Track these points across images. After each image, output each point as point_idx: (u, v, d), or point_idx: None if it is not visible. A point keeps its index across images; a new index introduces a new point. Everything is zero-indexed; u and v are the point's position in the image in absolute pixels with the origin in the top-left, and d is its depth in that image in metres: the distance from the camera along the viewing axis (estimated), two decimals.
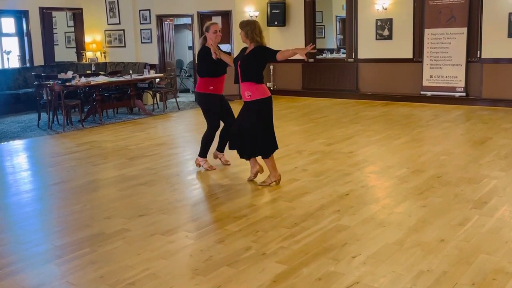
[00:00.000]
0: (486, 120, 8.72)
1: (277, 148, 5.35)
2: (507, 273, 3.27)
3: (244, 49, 5.31)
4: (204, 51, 5.69)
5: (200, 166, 6.02)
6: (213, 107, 5.82)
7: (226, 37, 12.22)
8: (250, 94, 5.15)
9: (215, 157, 6.21)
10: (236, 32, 12.05)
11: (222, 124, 6.01)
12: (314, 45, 5.15)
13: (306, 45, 12.46)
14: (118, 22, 13.15)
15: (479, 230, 3.99)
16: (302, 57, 5.08)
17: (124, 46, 13.15)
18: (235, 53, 12.16)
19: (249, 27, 5.13)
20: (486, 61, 10.21)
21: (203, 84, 5.76)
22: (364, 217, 4.34)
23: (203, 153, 5.97)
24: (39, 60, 12.28)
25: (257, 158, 5.43)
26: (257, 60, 5.14)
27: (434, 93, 10.77)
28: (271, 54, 5.11)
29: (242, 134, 5.24)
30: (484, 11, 10.15)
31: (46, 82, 9.45)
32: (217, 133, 5.99)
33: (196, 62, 5.98)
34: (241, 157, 5.41)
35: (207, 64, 5.66)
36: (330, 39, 14.94)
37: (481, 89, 10.31)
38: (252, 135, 5.21)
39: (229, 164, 6.14)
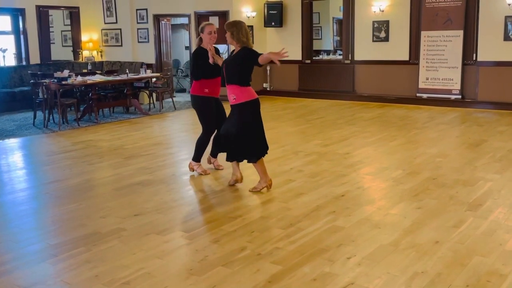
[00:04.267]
0: (482, 123, 8.75)
1: (265, 153, 5.15)
2: (501, 275, 3.29)
3: (234, 51, 5.18)
4: (199, 53, 5.55)
5: (193, 171, 5.87)
6: (208, 110, 5.68)
7: (223, 38, 12.17)
8: (235, 97, 5.00)
9: (209, 161, 6.10)
10: None
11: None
12: (286, 52, 4.72)
13: (302, 46, 12.52)
14: (115, 21, 13.13)
15: (473, 232, 4.00)
16: (275, 62, 4.74)
17: (121, 45, 13.13)
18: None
19: (235, 28, 5.01)
20: (482, 64, 10.25)
21: (198, 86, 5.61)
22: (360, 218, 4.35)
23: (196, 157, 5.82)
24: (35, 58, 12.24)
25: (240, 163, 5.24)
26: (242, 62, 4.98)
27: (430, 95, 10.80)
28: (255, 58, 4.91)
29: (228, 138, 5.07)
30: (480, 14, 10.18)
31: (42, 80, 9.43)
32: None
33: (191, 63, 5.74)
34: (227, 160, 5.22)
35: (203, 66, 5.51)
36: (327, 40, 14.97)
37: (477, 92, 10.34)
38: (237, 139, 5.02)
39: (222, 169, 6.00)
